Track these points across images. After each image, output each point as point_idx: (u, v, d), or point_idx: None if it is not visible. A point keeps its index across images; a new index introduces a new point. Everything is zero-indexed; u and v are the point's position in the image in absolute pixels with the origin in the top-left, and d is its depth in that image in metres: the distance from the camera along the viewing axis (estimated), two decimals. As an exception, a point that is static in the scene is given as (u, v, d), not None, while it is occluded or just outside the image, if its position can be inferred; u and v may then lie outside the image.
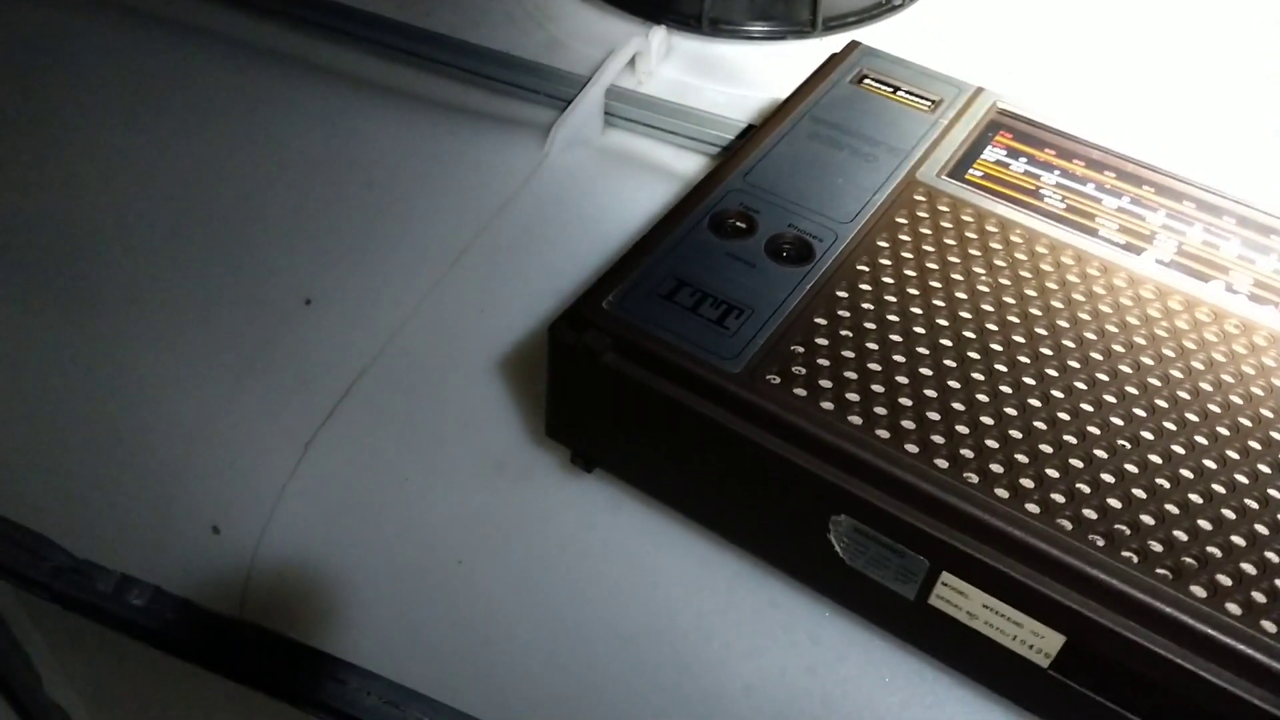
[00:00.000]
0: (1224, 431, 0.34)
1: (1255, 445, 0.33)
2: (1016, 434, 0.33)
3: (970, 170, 0.43)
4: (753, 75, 0.57)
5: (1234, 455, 0.33)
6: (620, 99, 0.53)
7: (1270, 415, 0.34)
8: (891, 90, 0.46)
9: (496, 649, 0.37)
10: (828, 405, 0.33)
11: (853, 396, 0.34)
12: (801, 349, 0.35)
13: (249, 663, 0.36)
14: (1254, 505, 0.32)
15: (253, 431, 0.42)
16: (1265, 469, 0.33)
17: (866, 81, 0.46)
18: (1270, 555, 0.30)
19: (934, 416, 0.33)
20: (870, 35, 0.60)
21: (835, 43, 0.59)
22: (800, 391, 0.34)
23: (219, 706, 0.41)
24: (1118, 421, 0.34)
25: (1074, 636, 0.31)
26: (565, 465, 0.40)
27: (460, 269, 0.46)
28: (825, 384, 0.34)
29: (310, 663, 0.36)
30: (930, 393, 0.34)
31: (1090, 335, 0.36)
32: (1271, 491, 0.32)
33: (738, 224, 0.39)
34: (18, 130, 0.53)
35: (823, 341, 0.35)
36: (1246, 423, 0.34)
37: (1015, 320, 0.36)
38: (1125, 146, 0.44)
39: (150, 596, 0.38)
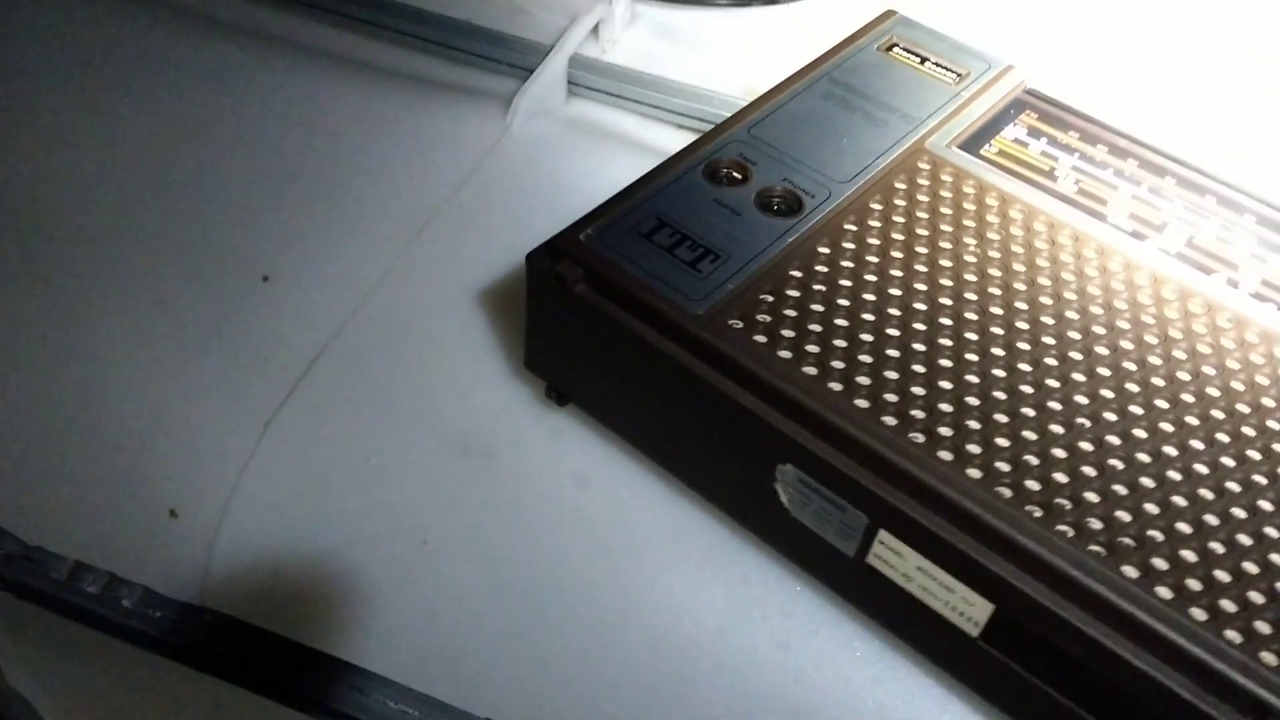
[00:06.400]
0: (1191, 421, 0.33)
1: (1222, 438, 0.32)
2: (972, 400, 0.32)
3: (985, 146, 0.42)
4: (718, 42, 0.56)
5: (1197, 445, 0.32)
6: (583, 68, 0.52)
7: (1245, 410, 0.33)
8: (919, 61, 0.45)
9: (462, 631, 0.36)
10: (785, 354, 0.33)
11: (812, 348, 0.33)
12: (770, 297, 0.35)
13: (208, 650, 0.35)
14: (1207, 495, 0.31)
15: (210, 412, 0.41)
16: (1228, 462, 0.32)
17: (895, 50, 0.46)
18: (1214, 545, 0.30)
19: (890, 375, 0.33)
20: (832, -1, 0.58)
21: (799, 10, 0.58)
22: (760, 338, 0.34)
23: (181, 692, 0.40)
24: (1080, 399, 0.33)
25: (1002, 606, 0.30)
26: (528, 445, 0.39)
27: (422, 243, 0.46)
28: (787, 333, 0.34)
29: (272, 649, 0.35)
30: (891, 352, 0.34)
31: (1071, 314, 0.35)
32: (1230, 484, 0.31)
33: (732, 173, 0.39)
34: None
35: (793, 293, 0.35)
36: (1218, 415, 0.33)
37: (995, 292, 0.36)
38: (1155, 137, 0.43)
39: (105, 583, 0.36)
